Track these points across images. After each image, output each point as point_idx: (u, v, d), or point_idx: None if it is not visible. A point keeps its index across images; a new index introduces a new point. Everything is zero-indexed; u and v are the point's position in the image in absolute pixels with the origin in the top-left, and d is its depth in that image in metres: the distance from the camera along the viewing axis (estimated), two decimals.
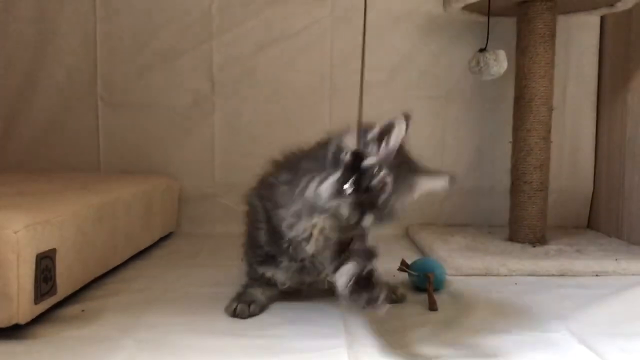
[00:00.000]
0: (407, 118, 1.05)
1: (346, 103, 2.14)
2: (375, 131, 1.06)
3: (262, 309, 1.25)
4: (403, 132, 1.05)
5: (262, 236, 1.25)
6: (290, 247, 1.19)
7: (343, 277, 1.09)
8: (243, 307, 1.22)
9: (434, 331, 1.14)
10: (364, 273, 1.07)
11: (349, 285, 1.07)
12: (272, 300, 1.29)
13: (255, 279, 1.29)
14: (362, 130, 1.07)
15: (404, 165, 1.07)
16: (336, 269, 1.12)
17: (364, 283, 1.06)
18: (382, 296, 1.04)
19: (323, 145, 1.13)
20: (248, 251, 1.33)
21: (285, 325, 1.17)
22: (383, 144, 1.05)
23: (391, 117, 1.05)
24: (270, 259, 1.25)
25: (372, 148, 1.05)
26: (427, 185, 1.10)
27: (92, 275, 1.39)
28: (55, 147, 2.19)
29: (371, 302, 1.04)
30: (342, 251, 1.13)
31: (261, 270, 1.27)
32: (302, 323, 1.18)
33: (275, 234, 1.20)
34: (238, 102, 2.17)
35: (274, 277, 1.26)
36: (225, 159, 2.19)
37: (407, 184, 1.07)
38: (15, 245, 1.04)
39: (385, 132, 1.05)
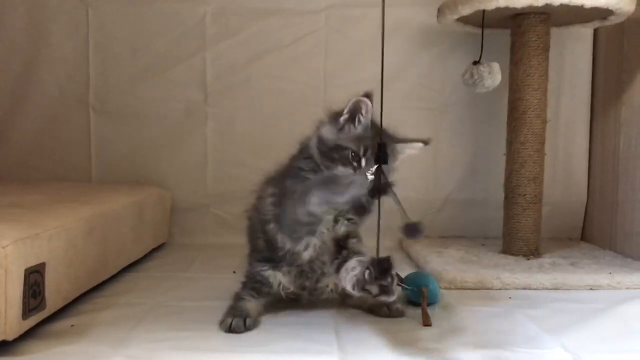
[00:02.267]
0: (368, 96, 1.21)
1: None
2: (345, 112, 1.21)
3: (256, 323, 1.24)
4: (370, 106, 1.20)
5: (261, 244, 1.31)
6: (287, 255, 1.25)
7: (350, 273, 1.15)
8: (239, 322, 1.20)
9: (427, 347, 1.12)
10: (381, 263, 1.12)
11: (359, 279, 1.13)
12: (262, 313, 1.28)
13: (252, 285, 1.29)
14: (333, 116, 1.23)
15: (383, 136, 1.20)
16: (338, 267, 1.21)
17: (379, 272, 1.11)
18: (394, 285, 1.10)
19: (298, 153, 1.29)
20: (251, 258, 1.35)
21: (277, 341, 1.15)
22: (356, 122, 1.21)
23: (352, 97, 1.21)
24: (273, 262, 1.29)
25: (347, 127, 1.21)
26: (406, 151, 1.25)
27: (82, 289, 1.37)
28: (46, 157, 2.18)
29: (384, 291, 1.10)
30: (340, 248, 1.24)
31: (265, 273, 1.28)
32: (294, 339, 1.16)
33: (271, 243, 1.27)
34: (231, 112, 2.16)
35: (277, 281, 1.28)
36: (218, 169, 2.18)
37: (391, 151, 1.19)
38: (4, 260, 1.03)
39: (354, 111, 1.21)
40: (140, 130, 2.17)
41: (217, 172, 2.18)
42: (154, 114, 2.16)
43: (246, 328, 1.20)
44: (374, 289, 1.11)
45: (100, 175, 2.18)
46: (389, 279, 1.10)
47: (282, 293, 1.29)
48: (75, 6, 2.14)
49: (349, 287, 1.15)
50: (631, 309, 1.37)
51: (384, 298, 1.12)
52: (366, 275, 1.12)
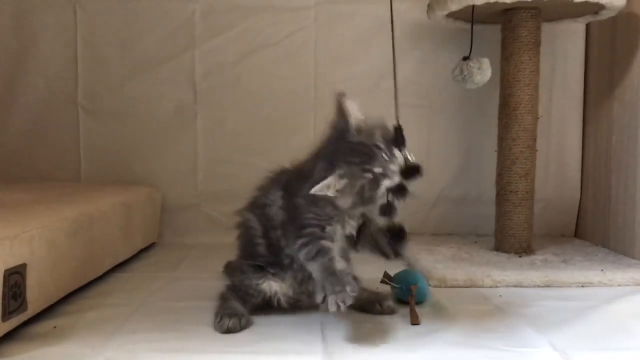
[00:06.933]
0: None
1: (331, 111, 2.11)
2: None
3: (249, 322, 1.22)
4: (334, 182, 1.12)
5: (262, 250, 1.27)
6: (294, 263, 1.23)
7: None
8: (235, 322, 1.19)
9: (414, 346, 1.11)
10: (394, 230, 1.20)
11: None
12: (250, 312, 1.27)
13: (240, 294, 1.27)
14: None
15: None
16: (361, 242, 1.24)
17: (395, 239, 1.20)
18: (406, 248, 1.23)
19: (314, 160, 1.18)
20: (242, 264, 1.30)
21: (263, 341, 1.13)
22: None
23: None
24: (273, 269, 1.25)
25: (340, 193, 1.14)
26: None
27: (66, 290, 1.35)
28: (35, 157, 2.16)
29: (398, 253, 1.22)
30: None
31: (260, 287, 1.25)
32: (280, 339, 1.14)
33: (276, 249, 1.24)
34: (221, 111, 2.15)
35: (273, 291, 1.25)
36: (208, 167, 2.16)
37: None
38: None
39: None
40: (129, 129, 2.15)
41: (207, 171, 2.17)
42: (144, 112, 2.15)
43: (241, 327, 1.19)
44: (389, 250, 1.21)
45: (90, 174, 2.17)
46: (402, 244, 1.20)
47: (281, 301, 1.27)
48: (63, 5, 2.12)
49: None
50: (622, 306, 1.36)
51: (395, 259, 1.23)
52: (383, 239, 1.20)
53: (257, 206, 1.28)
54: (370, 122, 1.17)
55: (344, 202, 1.14)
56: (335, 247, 1.19)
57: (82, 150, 2.16)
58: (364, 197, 1.13)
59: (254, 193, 1.30)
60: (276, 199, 1.24)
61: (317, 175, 1.12)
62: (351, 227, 1.22)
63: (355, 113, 1.15)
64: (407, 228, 1.20)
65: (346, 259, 1.25)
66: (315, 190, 1.10)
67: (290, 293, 1.27)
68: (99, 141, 2.16)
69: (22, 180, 2.06)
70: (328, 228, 1.18)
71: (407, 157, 1.17)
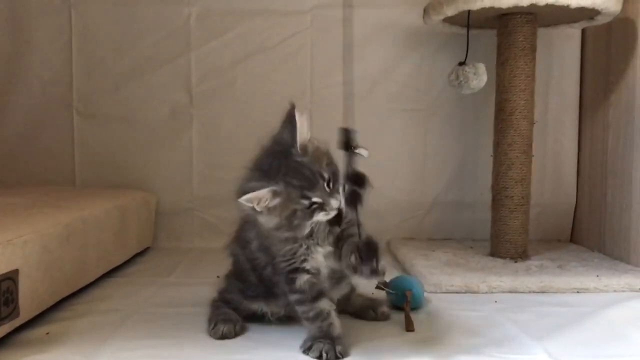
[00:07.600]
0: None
1: (327, 115, 2.10)
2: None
3: (244, 328, 1.22)
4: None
5: (254, 280, 1.23)
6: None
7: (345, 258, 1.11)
8: (230, 328, 1.18)
9: (408, 353, 1.10)
10: (365, 246, 1.06)
11: (348, 264, 1.09)
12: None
13: (231, 306, 1.26)
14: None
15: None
16: (340, 257, 1.13)
17: (365, 255, 1.06)
18: (380, 265, 1.06)
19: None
20: (232, 285, 1.28)
21: (256, 349, 1.13)
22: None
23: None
24: (263, 295, 1.23)
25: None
26: None
27: (59, 296, 1.35)
28: (30, 161, 2.15)
29: (374, 272, 1.06)
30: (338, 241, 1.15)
31: (251, 306, 1.25)
32: (274, 346, 1.14)
33: (266, 281, 1.21)
34: (217, 115, 2.14)
35: (262, 311, 1.24)
36: (203, 172, 2.16)
37: None
38: None
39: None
40: (124, 133, 2.15)
41: (202, 175, 2.16)
42: (139, 116, 2.14)
43: (236, 333, 1.19)
44: (365, 271, 1.06)
45: (85, 178, 2.16)
46: (374, 261, 1.05)
47: (271, 319, 1.25)
48: (58, 8, 2.11)
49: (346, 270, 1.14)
50: (617, 312, 1.35)
51: (374, 279, 1.10)
52: (353, 260, 1.07)
53: (241, 242, 1.24)
54: (317, 145, 1.08)
55: (267, 221, 1.06)
56: (324, 271, 1.16)
57: (77, 154, 2.15)
58: (291, 223, 1.05)
59: (237, 226, 1.26)
60: (252, 237, 1.19)
61: (246, 185, 1.03)
62: (326, 246, 1.14)
63: (303, 130, 1.05)
64: (377, 241, 1.07)
65: (337, 280, 1.24)
66: (243, 199, 1.01)
67: (282, 313, 1.24)
68: (94, 145, 2.15)
69: (16, 184, 2.05)
70: (308, 265, 1.13)
71: (359, 155, 1.09)
